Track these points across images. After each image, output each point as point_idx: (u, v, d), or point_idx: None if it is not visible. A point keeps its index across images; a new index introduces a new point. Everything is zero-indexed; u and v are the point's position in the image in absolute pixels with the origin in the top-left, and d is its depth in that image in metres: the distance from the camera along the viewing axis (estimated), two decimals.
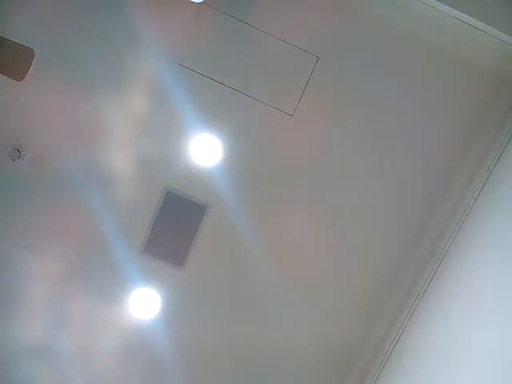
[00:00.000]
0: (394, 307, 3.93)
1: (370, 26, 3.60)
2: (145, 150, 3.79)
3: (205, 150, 3.80)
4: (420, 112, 3.73)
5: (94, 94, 3.70)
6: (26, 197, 3.85)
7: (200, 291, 4.02)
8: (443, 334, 3.26)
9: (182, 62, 3.67)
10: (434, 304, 3.58)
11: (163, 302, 4.03)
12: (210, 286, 4.01)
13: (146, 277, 4.00)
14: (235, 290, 4.00)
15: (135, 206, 3.90)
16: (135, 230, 3.94)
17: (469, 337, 2.94)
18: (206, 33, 3.61)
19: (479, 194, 3.57)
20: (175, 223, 3.93)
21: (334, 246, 3.92)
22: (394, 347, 3.83)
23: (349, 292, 3.98)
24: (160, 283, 4.01)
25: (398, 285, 3.92)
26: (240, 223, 3.84)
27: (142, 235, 3.94)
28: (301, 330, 4.01)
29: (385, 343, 3.93)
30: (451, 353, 3.05)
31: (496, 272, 2.95)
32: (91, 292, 4.03)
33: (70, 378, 4.09)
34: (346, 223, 3.90)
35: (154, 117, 3.74)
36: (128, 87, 3.69)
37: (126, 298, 4.02)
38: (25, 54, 2.91)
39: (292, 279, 3.94)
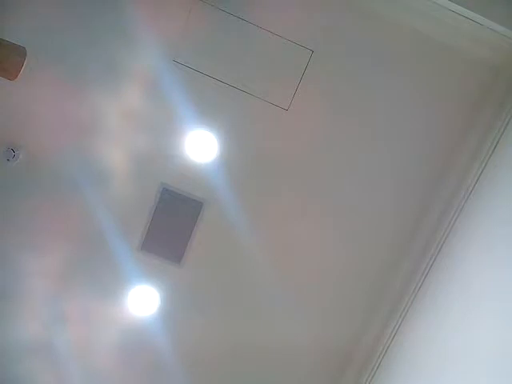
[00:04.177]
0: (390, 306, 3.93)
1: (366, 18, 3.58)
2: (140, 147, 3.78)
3: (200, 146, 3.79)
4: (417, 106, 3.72)
5: (88, 92, 3.68)
6: (22, 196, 3.84)
7: (198, 288, 4.02)
8: (438, 332, 3.26)
9: (175, 57, 3.65)
10: (430, 303, 3.57)
11: (161, 299, 4.04)
12: (208, 283, 4.01)
13: (143, 274, 4.00)
14: (233, 286, 4.00)
15: (132, 203, 3.89)
16: (132, 227, 3.93)
17: (464, 336, 2.94)
18: (198, 28, 3.58)
19: (473, 189, 3.57)
20: (172, 220, 3.93)
21: (330, 244, 3.93)
22: (389, 346, 3.84)
23: (345, 291, 3.99)
24: (158, 280, 4.01)
25: (393, 285, 3.93)
26: (237, 219, 3.83)
27: (139, 232, 3.93)
28: (298, 328, 4.01)
29: (380, 342, 3.93)
30: (446, 352, 3.05)
31: (492, 268, 2.94)
32: (89, 290, 4.02)
33: (69, 375, 4.10)
34: (343, 221, 3.90)
35: (149, 114, 3.72)
36: (122, 84, 3.67)
37: (124, 296, 4.01)
38: (17, 53, 2.89)
39: (289, 276, 3.94)
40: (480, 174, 3.55)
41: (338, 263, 3.95)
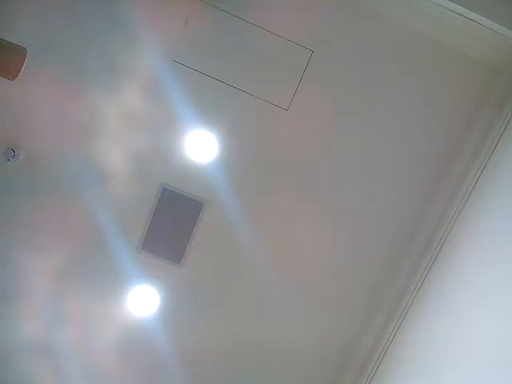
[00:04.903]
0: (390, 306, 3.92)
1: (366, 18, 3.58)
2: (140, 147, 3.78)
3: (200, 146, 3.79)
4: (416, 106, 3.72)
5: (88, 92, 3.68)
6: (22, 196, 3.84)
7: (198, 288, 4.02)
8: (438, 332, 3.25)
9: (175, 57, 3.65)
10: (430, 303, 3.56)
11: (161, 299, 4.04)
12: (208, 283, 4.01)
13: (143, 274, 4.00)
14: (233, 286, 4.00)
15: (132, 203, 3.89)
16: (132, 227, 3.93)
17: (464, 336, 2.93)
18: (198, 28, 3.58)
19: (473, 189, 3.56)
20: (172, 220, 3.92)
21: (330, 244, 3.92)
22: (389, 346, 3.83)
23: (345, 291, 3.98)
24: (158, 280, 4.01)
25: (393, 285, 3.92)
26: (237, 219, 3.83)
27: (139, 232, 3.93)
28: (298, 328, 4.01)
29: (380, 342, 3.93)
30: (446, 352, 3.04)
31: (492, 268, 2.93)
32: (89, 290, 4.03)
33: (69, 375, 4.10)
34: (343, 221, 3.89)
35: (149, 113, 3.72)
36: (122, 84, 3.67)
37: (125, 296, 4.01)
38: (17, 53, 2.89)
39: (289, 276, 3.94)
40: (480, 174, 3.55)
41: (338, 263, 3.94)
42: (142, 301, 4.01)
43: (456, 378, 2.82)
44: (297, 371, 4.12)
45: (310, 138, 3.78)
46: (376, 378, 3.89)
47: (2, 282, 3.99)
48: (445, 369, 2.97)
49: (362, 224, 3.89)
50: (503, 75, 3.60)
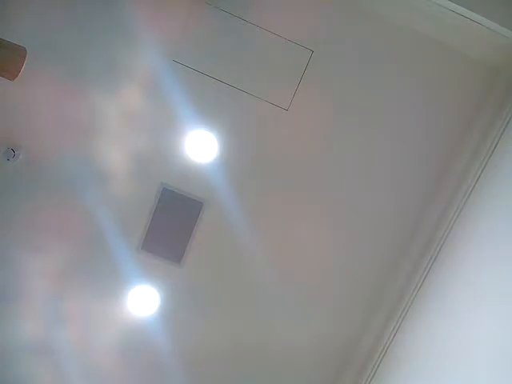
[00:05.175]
0: (390, 306, 3.92)
1: (366, 18, 3.58)
2: (140, 147, 3.78)
3: (200, 146, 3.79)
4: (417, 106, 3.72)
5: (88, 92, 3.68)
6: (22, 196, 3.84)
7: (198, 288, 4.02)
8: (438, 332, 3.25)
9: (175, 57, 3.65)
10: (430, 303, 3.56)
11: (161, 299, 4.04)
12: (208, 283, 4.01)
13: (143, 274, 4.00)
14: (233, 286, 4.00)
15: (132, 203, 3.89)
16: (132, 227, 3.93)
17: (464, 336, 2.93)
18: (198, 28, 3.58)
19: (473, 189, 3.56)
20: (172, 220, 3.93)
21: (330, 244, 3.92)
22: (389, 346, 3.83)
23: (345, 291, 3.99)
24: (158, 280, 4.01)
25: (393, 285, 3.92)
26: (237, 219, 3.83)
27: (139, 232, 3.93)
28: (298, 328, 4.01)
29: (380, 342, 3.93)
30: (446, 352, 3.04)
31: (492, 268, 2.93)
32: (89, 290, 4.03)
33: (69, 375, 4.10)
34: (343, 221, 3.89)
35: (149, 114, 3.72)
36: (122, 84, 3.67)
37: (124, 296, 4.02)
38: (17, 53, 2.89)
39: (289, 276, 3.94)
40: (480, 174, 3.55)
41: (338, 263, 3.94)
42: (142, 301, 4.02)
43: (456, 378, 2.82)
44: (297, 371, 4.12)
45: (310, 138, 3.78)
46: (376, 378, 3.89)
47: (2, 282, 3.99)
48: (445, 369, 2.97)
49: (362, 224, 3.89)
50: (503, 75, 3.60)
